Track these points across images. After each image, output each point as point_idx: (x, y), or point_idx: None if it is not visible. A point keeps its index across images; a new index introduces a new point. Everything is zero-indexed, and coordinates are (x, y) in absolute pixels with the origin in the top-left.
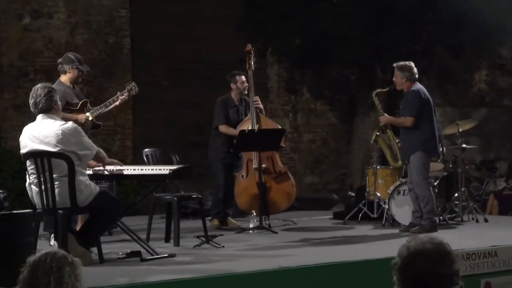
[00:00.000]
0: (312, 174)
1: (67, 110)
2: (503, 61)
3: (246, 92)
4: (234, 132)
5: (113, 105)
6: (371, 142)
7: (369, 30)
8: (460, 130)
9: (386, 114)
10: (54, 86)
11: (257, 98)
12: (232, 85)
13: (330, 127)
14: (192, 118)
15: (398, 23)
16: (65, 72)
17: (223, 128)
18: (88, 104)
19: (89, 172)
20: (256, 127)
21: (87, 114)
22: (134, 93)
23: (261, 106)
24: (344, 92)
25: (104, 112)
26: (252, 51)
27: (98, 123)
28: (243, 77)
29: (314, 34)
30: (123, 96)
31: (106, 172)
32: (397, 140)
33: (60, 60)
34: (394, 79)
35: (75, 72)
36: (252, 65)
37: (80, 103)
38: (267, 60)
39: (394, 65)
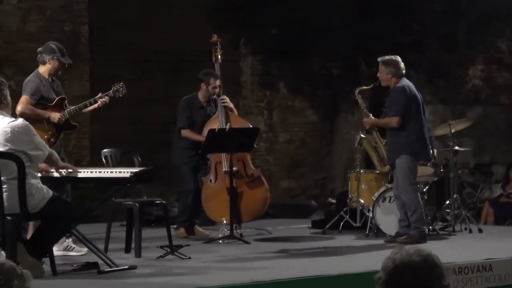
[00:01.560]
0: (288, 178)
1: (40, 105)
2: (501, 55)
3: (214, 96)
4: (198, 138)
5: (92, 107)
6: (356, 145)
7: (354, 20)
8: (453, 130)
9: (370, 115)
10: (30, 77)
11: (224, 97)
12: (203, 86)
13: (310, 126)
14: (158, 115)
15: (386, 12)
16: (44, 63)
17: (185, 133)
18: (66, 102)
19: (40, 175)
20: (227, 126)
21: (63, 113)
22: (120, 96)
23: (231, 105)
24: (326, 87)
25: (80, 113)
26: (218, 42)
27: (74, 124)
28: (218, 82)
29: (293, 23)
30: (104, 99)
31: (59, 175)
32: (384, 142)
33: (40, 49)
34: (378, 75)
35: (55, 64)
36: (219, 58)
37: (57, 99)
38: (240, 51)
39: (379, 59)
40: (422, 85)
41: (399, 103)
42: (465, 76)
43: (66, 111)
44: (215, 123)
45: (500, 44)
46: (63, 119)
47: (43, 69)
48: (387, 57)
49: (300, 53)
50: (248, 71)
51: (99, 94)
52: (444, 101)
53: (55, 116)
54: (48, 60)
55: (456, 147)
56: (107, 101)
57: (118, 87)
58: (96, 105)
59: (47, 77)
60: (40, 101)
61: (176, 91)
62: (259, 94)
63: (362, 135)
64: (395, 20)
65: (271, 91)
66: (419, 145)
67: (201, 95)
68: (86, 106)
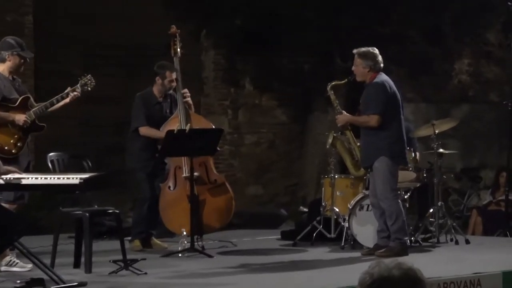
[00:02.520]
0: (256, 184)
1: (2, 107)
2: (490, 48)
3: (171, 92)
4: (159, 134)
5: (62, 103)
6: (327, 146)
7: (327, 9)
8: (437, 131)
9: (344, 112)
10: None
11: (185, 91)
12: (158, 80)
13: (279, 127)
14: (111, 115)
15: (363, 1)
16: (3, 60)
17: (144, 130)
18: (31, 100)
19: None
20: (187, 126)
21: (28, 114)
22: (89, 89)
23: (190, 101)
24: (296, 84)
25: (48, 112)
26: (177, 34)
27: (41, 125)
28: (174, 75)
29: (259, 12)
30: (75, 92)
31: (0, 182)
32: (358, 143)
33: None
34: (353, 68)
35: (16, 60)
36: (178, 52)
37: (20, 99)
38: (201, 44)
39: (355, 51)
40: (403, 81)
41: (378, 100)
42: (451, 71)
43: (31, 111)
44: (174, 124)
45: (489, 36)
46: (29, 121)
47: (2, 67)
48: (363, 49)
49: (268, 46)
50: (210, 66)
51: (68, 89)
52: (428, 99)
53: (20, 118)
54: (8, 57)
55: (441, 150)
56: (79, 95)
57: (86, 80)
58: (67, 100)
59: (7, 75)
60: (2, 102)
61: (131, 89)
62: (223, 91)
63: (335, 135)
64: (373, 10)
65: (236, 88)
66: (399, 147)
67: (156, 90)
68: (53, 104)
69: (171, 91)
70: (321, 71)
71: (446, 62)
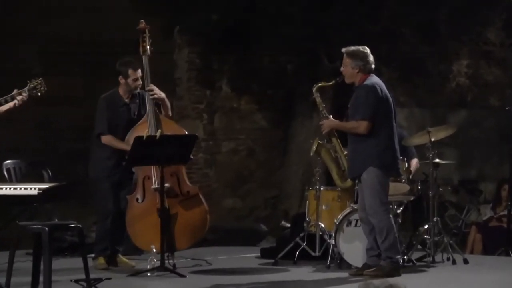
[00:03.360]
0: (233, 196)
1: None
2: (490, 47)
3: (137, 90)
4: (122, 146)
5: (5, 107)
6: (311, 153)
7: (313, 4)
8: (432, 139)
9: (330, 117)
10: None
11: (151, 87)
12: (121, 79)
13: (259, 133)
14: (72, 118)
15: None
16: None
17: (106, 140)
18: None
19: None
20: (158, 132)
21: None
22: (39, 94)
23: (162, 95)
24: (279, 86)
25: None
26: (147, 30)
27: None
28: (139, 72)
29: (238, 7)
30: (21, 96)
31: None
32: (346, 152)
33: None
34: (342, 68)
35: None
36: (148, 49)
37: None
38: (174, 41)
39: (343, 50)
40: (394, 83)
41: (368, 105)
42: (447, 73)
43: None
44: (143, 130)
45: (489, 34)
46: None
47: None
48: (353, 48)
49: (247, 44)
50: (184, 65)
51: (15, 91)
52: (422, 104)
53: None
54: None
55: (437, 160)
56: (25, 98)
57: (36, 84)
58: (12, 103)
59: None
60: None
61: (95, 90)
62: (197, 93)
63: (319, 142)
64: (363, 6)
65: (212, 90)
66: (390, 156)
67: (122, 91)
68: None
69: (139, 90)
70: (306, 71)
71: (442, 63)
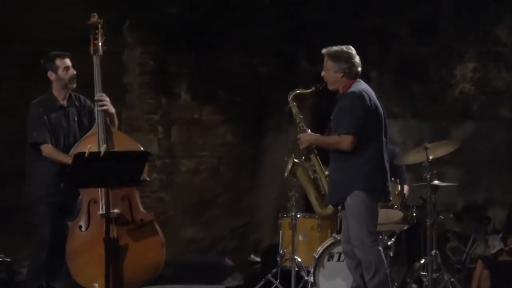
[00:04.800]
0: (194, 225)
1: None
2: (500, 48)
3: (73, 84)
4: (65, 159)
5: None
6: (285, 174)
7: None
8: (431, 157)
9: (309, 131)
10: None
11: (103, 96)
12: (51, 75)
13: (225, 150)
14: (3, 130)
15: None
16: None
17: (48, 151)
18: None
19: None
20: (103, 147)
21: None
22: None
23: (113, 110)
24: (249, 93)
25: None
26: (99, 25)
27: None
28: (67, 61)
29: None
30: None
31: None
32: (327, 172)
33: None
34: (324, 73)
35: None
36: (100, 48)
37: None
38: (123, 40)
39: (324, 51)
40: (387, 90)
41: (353, 116)
42: (450, 79)
43: None
44: (90, 141)
45: (499, 33)
46: None
47: None
48: (336, 48)
49: (211, 43)
50: (135, 68)
51: None
52: (419, 115)
53: None
54: None
55: (436, 182)
56: None
57: None
58: None
59: None
60: None
61: (30, 96)
62: (151, 102)
63: (295, 160)
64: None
65: (169, 97)
66: (379, 177)
67: (55, 91)
68: None
69: (82, 97)
70: (282, 76)
71: (443, 67)
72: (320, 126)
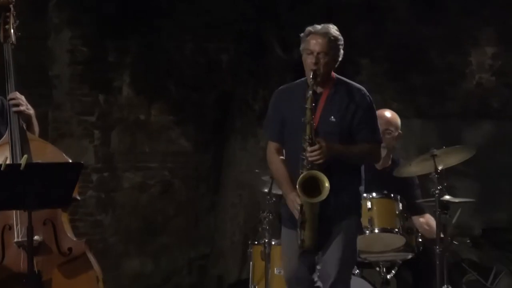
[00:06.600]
0: (140, 255)
1: None
2: None
3: None
4: None
5: None
6: (322, 197)
7: None
8: (440, 166)
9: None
10: None
11: (16, 95)
12: None
13: (179, 159)
14: None
15: None
16: None
17: None
18: None
19: None
20: (23, 158)
21: None
22: None
23: (30, 111)
24: (208, 86)
25: None
26: (12, 6)
27: None
28: None
29: None
30: None
31: None
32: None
33: None
34: (322, 60)
35: None
36: (12, 34)
37: None
38: (49, 21)
39: (321, 30)
40: (381, 82)
41: (375, 118)
42: (463, 67)
43: None
44: (2, 153)
45: None
46: None
47: None
48: (331, 27)
49: (159, 24)
50: (64, 57)
51: None
52: (425, 113)
53: None
54: None
55: (447, 197)
56: None
57: None
58: None
59: None
60: None
61: None
62: (85, 99)
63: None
64: None
65: (107, 93)
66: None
67: None
68: None
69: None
70: (249, 65)
71: (453, 52)
72: None
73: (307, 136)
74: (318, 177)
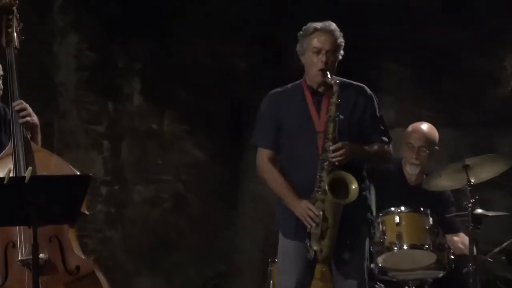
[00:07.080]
0: (152, 273)
1: None
2: None
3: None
4: None
5: None
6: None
7: None
8: (473, 179)
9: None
10: None
11: (23, 104)
12: None
13: (193, 171)
14: None
15: None
16: None
17: None
18: None
19: None
20: (28, 171)
21: None
22: None
23: (36, 121)
24: (223, 94)
25: None
26: (15, 8)
27: None
28: None
29: None
30: None
31: None
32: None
33: None
34: (331, 59)
35: None
36: (15, 39)
37: None
38: (54, 24)
39: (329, 27)
40: (405, 88)
41: (382, 116)
42: (497, 72)
43: None
44: (4, 167)
45: None
46: None
47: None
48: (334, 24)
49: (171, 28)
50: (71, 63)
51: None
52: (454, 121)
53: None
54: None
55: (480, 211)
56: None
57: None
58: None
59: None
60: None
61: None
62: (93, 108)
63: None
64: None
65: (116, 101)
66: None
67: None
68: None
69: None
70: (266, 72)
71: (485, 56)
72: None
73: (330, 135)
74: (345, 178)
